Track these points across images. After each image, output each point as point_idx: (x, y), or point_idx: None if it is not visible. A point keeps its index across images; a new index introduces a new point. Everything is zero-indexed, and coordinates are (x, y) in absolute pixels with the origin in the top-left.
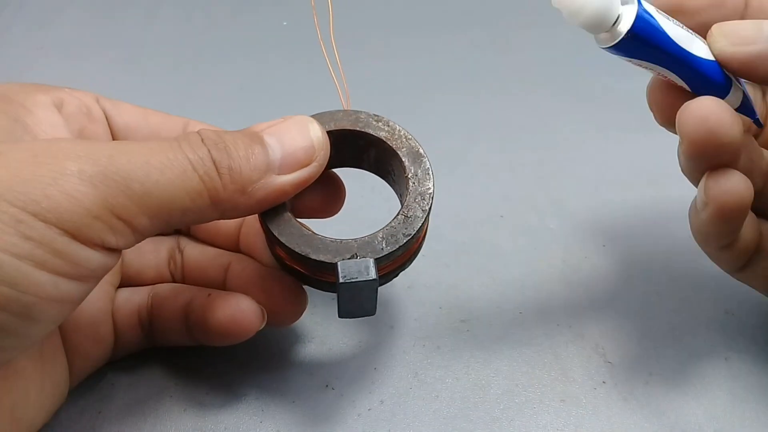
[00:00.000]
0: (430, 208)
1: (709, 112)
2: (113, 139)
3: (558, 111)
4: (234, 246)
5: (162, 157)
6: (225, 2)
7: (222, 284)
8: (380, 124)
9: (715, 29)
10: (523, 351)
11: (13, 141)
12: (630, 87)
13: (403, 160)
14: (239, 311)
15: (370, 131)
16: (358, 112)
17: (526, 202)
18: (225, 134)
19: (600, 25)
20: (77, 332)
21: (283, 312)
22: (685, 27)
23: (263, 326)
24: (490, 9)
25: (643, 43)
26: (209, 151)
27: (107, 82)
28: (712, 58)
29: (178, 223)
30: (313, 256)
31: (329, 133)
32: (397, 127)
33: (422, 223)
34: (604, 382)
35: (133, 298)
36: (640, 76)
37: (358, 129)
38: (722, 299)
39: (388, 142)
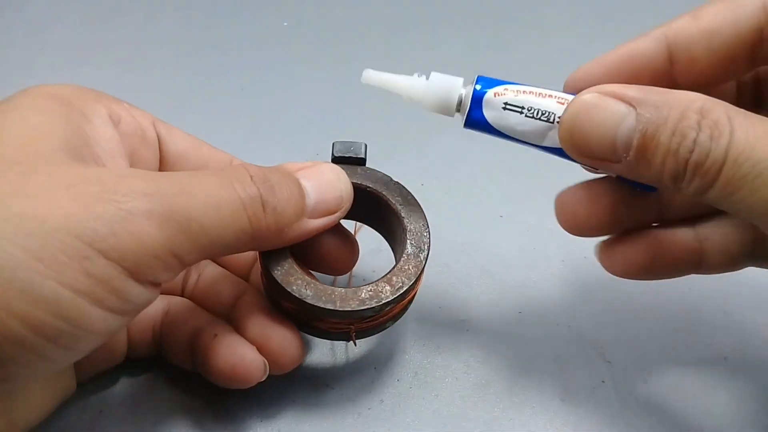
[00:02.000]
0: (417, 278)
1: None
2: (161, 163)
3: None
4: (245, 277)
5: (217, 196)
6: (225, 3)
7: (229, 310)
8: (395, 188)
9: (562, 124)
10: (522, 351)
11: (74, 154)
12: None
13: (407, 231)
14: (241, 363)
15: (386, 194)
16: (376, 171)
17: (526, 202)
18: (269, 172)
19: (446, 112)
20: None
21: (277, 356)
22: (541, 116)
23: (265, 378)
24: (490, 9)
25: (486, 130)
26: (259, 189)
27: (107, 84)
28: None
29: (218, 255)
30: (286, 288)
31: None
32: (410, 196)
33: (407, 289)
34: (603, 382)
35: (149, 311)
36: None
37: (375, 189)
38: (721, 299)
39: (400, 211)
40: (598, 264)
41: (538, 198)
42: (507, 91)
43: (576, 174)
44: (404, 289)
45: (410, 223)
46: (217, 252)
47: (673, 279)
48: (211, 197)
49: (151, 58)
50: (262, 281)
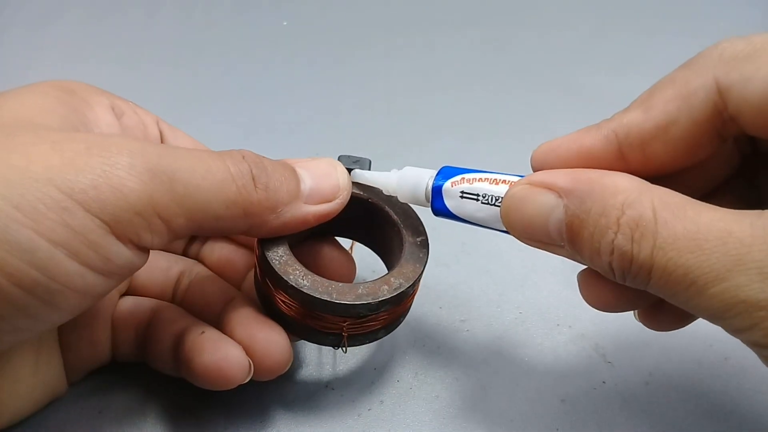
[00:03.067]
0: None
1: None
2: None
3: (556, 110)
4: (237, 285)
5: (205, 164)
6: (225, 2)
7: (218, 316)
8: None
9: (501, 217)
10: (522, 351)
11: (69, 129)
12: (627, 86)
13: (404, 245)
14: (225, 359)
15: (387, 207)
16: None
17: None
18: (263, 158)
19: (419, 203)
20: (73, 331)
21: (262, 357)
22: (495, 201)
23: (248, 379)
24: (490, 10)
25: (451, 218)
26: (250, 167)
27: (107, 82)
28: None
29: (210, 229)
30: (284, 276)
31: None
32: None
33: (407, 289)
34: (603, 382)
35: (136, 311)
36: (636, 75)
37: (376, 201)
38: None
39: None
40: None
41: None
42: (463, 181)
43: None
44: (402, 289)
45: (409, 236)
46: (208, 223)
47: None
48: (198, 164)
49: (151, 57)
50: (256, 274)
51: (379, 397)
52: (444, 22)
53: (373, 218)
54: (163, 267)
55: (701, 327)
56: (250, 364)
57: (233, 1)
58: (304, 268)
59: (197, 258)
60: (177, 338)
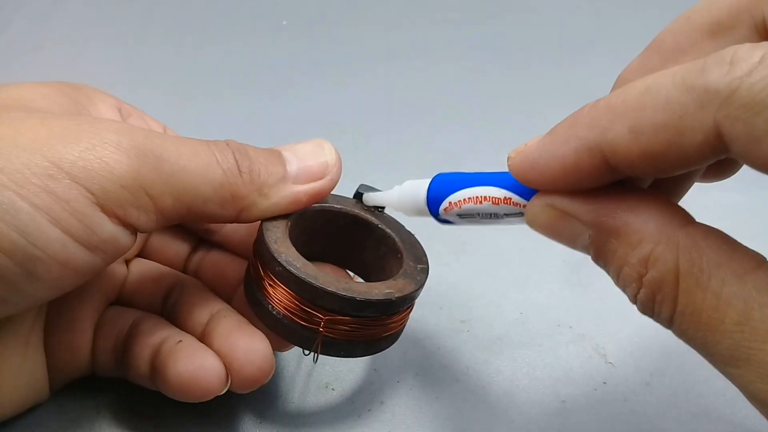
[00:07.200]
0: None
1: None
2: None
3: (557, 110)
4: (230, 297)
5: (191, 148)
6: (224, 2)
7: (203, 327)
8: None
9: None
10: (523, 351)
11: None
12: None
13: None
14: (201, 368)
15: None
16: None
17: None
18: (248, 145)
19: (423, 215)
20: (55, 333)
21: (242, 366)
22: (492, 217)
23: (225, 390)
24: (491, 11)
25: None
26: (233, 153)
27: (107, 80)
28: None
29: (200, 213)
30: (275, 255)
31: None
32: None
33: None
34: (604, 383)
35: (118, 320)
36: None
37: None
38: None
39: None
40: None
41: None
42: (451, 205)
43: None
44: (391, 297)
45: (410, 261)
46: (197, 206)
47: None
48: (184, 147)
49: (150, 54)
50: (248, 266)
51: (380, 397)
52: (444, 21)
53: (380, 246)
54: (154, 278)
55: None
56: (227, 375)
57: (232, 0)
58: (298, 254)
59: (196, 271)
60: (155, 349)
